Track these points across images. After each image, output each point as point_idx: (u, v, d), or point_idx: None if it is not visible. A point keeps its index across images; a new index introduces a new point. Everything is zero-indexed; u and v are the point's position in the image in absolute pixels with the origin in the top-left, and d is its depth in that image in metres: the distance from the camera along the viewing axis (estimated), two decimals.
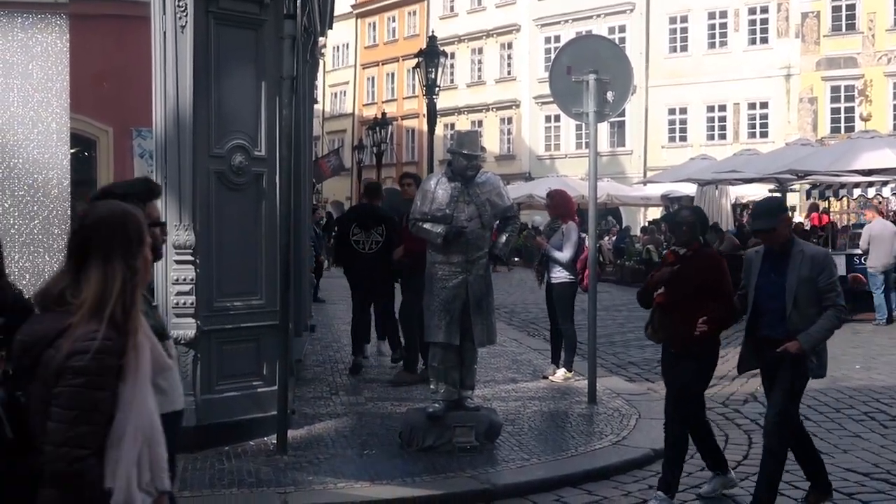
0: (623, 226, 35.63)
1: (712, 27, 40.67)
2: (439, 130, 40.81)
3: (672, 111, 41.83)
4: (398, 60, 52.20)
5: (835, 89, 37.63)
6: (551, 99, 10.89)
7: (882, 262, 16.78)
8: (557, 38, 41.31)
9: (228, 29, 7.54)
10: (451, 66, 46.18)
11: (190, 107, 7.28)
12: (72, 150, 7.83)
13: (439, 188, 7.88)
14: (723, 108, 40.34)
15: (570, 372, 10.72)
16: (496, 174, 8.77)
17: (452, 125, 47.29)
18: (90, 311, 2.77)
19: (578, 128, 39.76)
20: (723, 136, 39.92)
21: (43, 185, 7.50)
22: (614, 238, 32.13)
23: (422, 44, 21.88)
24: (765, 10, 39.39)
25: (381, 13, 56.20)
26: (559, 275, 10.74)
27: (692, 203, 30.63)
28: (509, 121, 48.37)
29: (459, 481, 6.83)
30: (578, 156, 40.84)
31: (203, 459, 7.08)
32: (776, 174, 22.96)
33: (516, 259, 33.70)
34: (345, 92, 59.43)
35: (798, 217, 31.95)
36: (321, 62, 41.95)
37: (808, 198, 33.15)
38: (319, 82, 49.48)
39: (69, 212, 7.62)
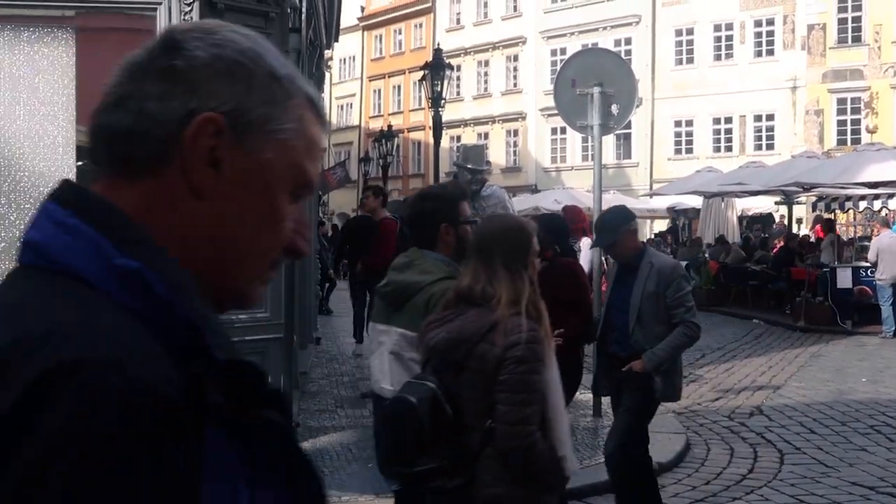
0: None
1: (718, 39, 40.71)
2: (445, 142, 40.88)
3: (678, 123, 41.84)
4: (404, 73, 52.30)
5: (841, 101, 37.61)
6: (557, 111, 10.93)
7: (891, 274, 16.76)
8: (563, 51, 41.31)
9: None
10: (458, 78, 46.23)
11: None
12: (78, 163, 7.84)
13: None
14: (729, 120, 40.35)
15: None
16: (502, 187, 8.79)
17: (458, 137, 47.33)
18: (509, 308, 3.25)
19: (584, 140, 39.77)
20: (729, 149, 39.91)
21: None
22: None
23: (428, 56, 21.94)
24: (771, 22, 39.42)
25: (387, 25, 56.35)
26: None
27: (697, 213, 30.68)
28: (515, 133, 48.41)
29: None
30: (584, 168, 40.83)
31: None
32: (782, 186, 22.98)
33: None
34: (351, 104, 59.57)
35: (804, 230, 32.00)
36: (327, 74, 42.07)
37: (814, 210, 33.15)
38: (326, 94, 49.61)
39: None
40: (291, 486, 1.01)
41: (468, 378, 3.23)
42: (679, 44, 41.80)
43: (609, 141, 39.93)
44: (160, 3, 7.32)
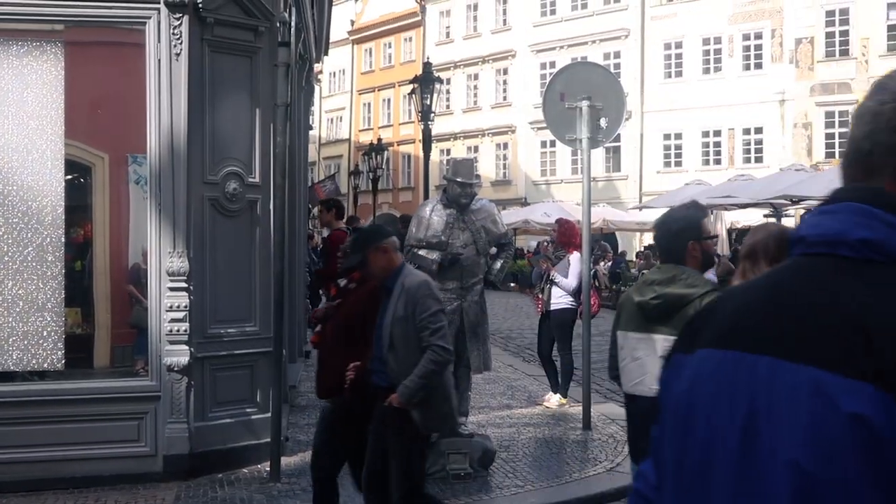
0: (619, 251, 35.64)
1: (707, 53, 40.83)
2: (435, 156, 40.99)
3: (667, 136, 41.93)
4: (394, 86, 52.34)
5: (829, 115, 37.74)
6: (546, 125, 10.95)
7: None
8: (553, 64, 41.40)
9: (223, 56, 7.58)
10: (447, 91, 46.28)
11: (184, 134, 7.31)
12: (67, 177, 7.82)
13: (434, 215, 7.91)
14: (717, 133, 40.44)
15: (565, 398, 10.71)
16: (491, 201, 8.80)
17: (448, 150, 47.38)
18: None
19: (574, 153, 39.80)
20: (718, 162, 39.99)
21: (37, 211, 7.50)
22: (610, 263, 32.15)
23: (418, 69, 21.97)
24: (759, 35, 39.56)
25: (377, 39, 56.40)
26: (560, 301, 10.76)
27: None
28: (505, 146, 48.44)
29: None
30: (574, 181, 40.88)
31: (196, 487, 7.06)
32: (771, 199, 23.04)
33: (512, 284, 33.71)
34: (341, 117, 59.56)
35: None
36: (317, 88, 42.07)
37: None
38: (315, 108, 49.58)
39: (63, 238, 7.62)
40: None
41: None
42: (668, 57, 41.92)
43: (598, 154, 39.99)
44: (149, 18, 7.33)
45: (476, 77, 49.84)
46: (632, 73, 41.57)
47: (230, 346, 7.63)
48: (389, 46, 55.59)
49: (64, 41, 7.71)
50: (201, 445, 7.32)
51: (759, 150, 39.31)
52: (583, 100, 9.40)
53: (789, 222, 32.58)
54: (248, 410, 7.75)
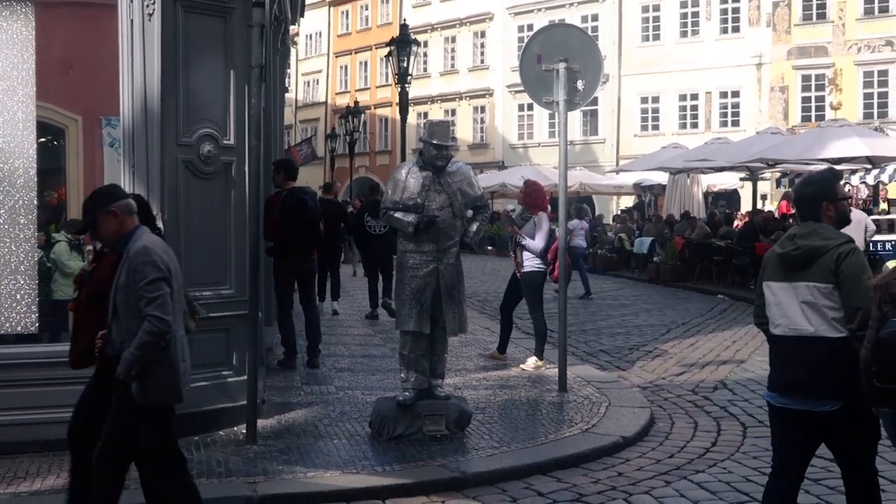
0: (595, 214, 35.75)
1: (684, 16, 40.80)
2: (412, 119, 40.81)
3: (644, 100, 41.98)
4: (371, 49, 52.02)
5: (805, 78, 37.85)
6: (523, 87, 10.92)
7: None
8: (531, 27, 41.20)
9: (197, 17, 7.49)
10: (424, 54, 46.10)
11: (158, 95, 7.24)
12: (39, 140, 7.75)
13: (410, 177, 7.89)
14: (695, 96, 40.52)
15: (541, 360, 10.76)
16: (467, 163, 8.78)
17: (425, 114, 47.22)
18: None
19: (551, 116, 39.77)
20: (695, 125, 40.10)
21: (9, 174, 7.42)
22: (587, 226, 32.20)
23: (395, 32, 21.82)
24: None
25: (354, 1, 55.97)
26: (529, 263, 10.78)
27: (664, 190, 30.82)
28: (482, 109, 48.35)
29: (429, 470, 6.84)
30: (551, 144, 40.87)
31: None
32: (747, 162, 23.11)
33: (489, 248, 33.77)
34: (318, 80, 59.18)
35: (769, 205, 32.25)
36: (293, 51, 41.75)
37: (778, 186, 33.44)
38: (292, 71, 49.26)
39: (35, 201, 7.55)
40: None
41: None
42: (645, 20, 41.87)
43: (575, 117, 40.01)
44: None
45: (453, 40, 49.62)
46: (609, 35, 41.52)
47: (206, 309, 7.58)
48: (366, 9, 55.19)
49: (35, 1, 7.60)
50: (177, 408, 7.31)
51: (735, 114, 39.43)
52: (560, 62, 9.37)
53: (765, 186, 32.79)
54: (224, 373, 7.74)
